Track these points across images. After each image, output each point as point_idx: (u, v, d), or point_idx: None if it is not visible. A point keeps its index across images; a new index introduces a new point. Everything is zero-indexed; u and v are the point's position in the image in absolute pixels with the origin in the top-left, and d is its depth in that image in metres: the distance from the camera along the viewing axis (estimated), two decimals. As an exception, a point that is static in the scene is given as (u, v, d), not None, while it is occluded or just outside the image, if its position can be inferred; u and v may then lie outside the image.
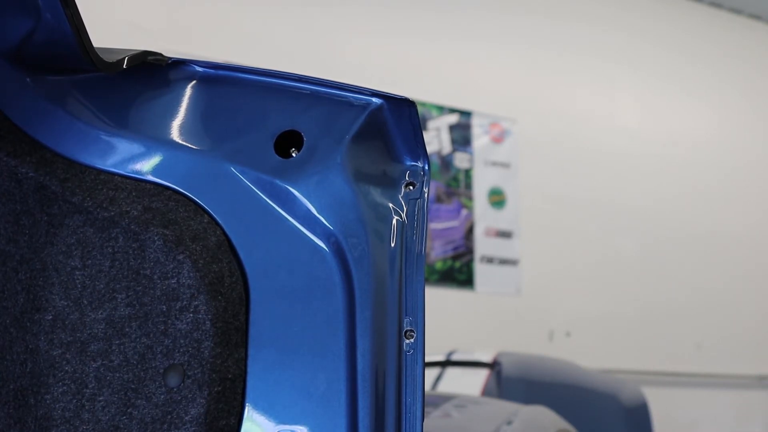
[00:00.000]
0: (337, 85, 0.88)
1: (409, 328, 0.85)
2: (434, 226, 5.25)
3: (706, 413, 5.95)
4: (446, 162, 5.48)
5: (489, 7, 5.83)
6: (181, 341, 0.82)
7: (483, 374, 3.72)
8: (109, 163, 0.87)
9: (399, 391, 0.83)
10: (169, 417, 0.82)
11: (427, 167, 0.90)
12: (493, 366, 3.73)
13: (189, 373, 0.82)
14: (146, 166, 0.87)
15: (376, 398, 0.83)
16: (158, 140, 0.88)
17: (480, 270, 5.38)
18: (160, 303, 0.83)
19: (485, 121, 5.70)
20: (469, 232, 5.40)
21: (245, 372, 0.84)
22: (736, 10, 6.98)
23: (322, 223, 0.85)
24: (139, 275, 0.84)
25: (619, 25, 6.37)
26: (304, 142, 0.87)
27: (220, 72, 0.90)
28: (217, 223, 0.86)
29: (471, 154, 5.60)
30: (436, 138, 5.48)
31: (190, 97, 0.89)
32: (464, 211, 5.42)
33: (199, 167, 0.87)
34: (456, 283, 5.30)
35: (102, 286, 0.85)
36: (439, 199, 5.33)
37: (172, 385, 0.82)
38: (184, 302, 0.83)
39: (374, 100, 0.87)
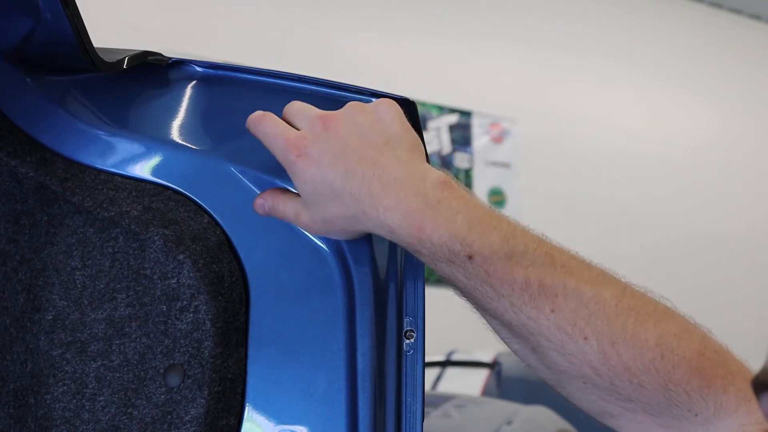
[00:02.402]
0: (337, 85, 0.88)
1: (409, 328, 0.85)
2: (434, 226, 5.25)
3: (706, 413, 5.94)
4: (446, 162, 5.49)
5: (489, 7, 5.83)
6: (181, 341, 0.82)
7: (483, 374, 3.72)
8: (109, 163, 0.87)
9: (399, 391, 0.83)
10: (169, 417, 0.82)
11: (427, 167, 0.90)
12: (493, 366, 3.73)
13: (189, 373, 0.82)
14: (146, 166, 0.87)
15: (376, 398, 0.83)
16: (158, 140, 0.88)
17: (480, 270, 5.37)
18: (160, 303, 0.83)
19: (485, 121, 5.70)
20: (469, 232, 5.40)
21: (245, 372, 0.84)
22: (736, 10, 6.98)
23: (322, 223, 0.85)
24: (139, 275, 0.84)
25: (619, 25, 6.37)
26: (304, 142, 0.87)
27: (220, 72, 0.90)
28: (217, 223, 0.86)
29: (471, 154, 5.60)
30: (436, 138, 5.48)
31: (190, 97, 0.89)
32: (464, 211, 5.42)
33: (199, 167, 0.87)
34: (456, 283, 5.29)
35: (102, 286, 0.85)
36: (439, 199, 5.34)
37: (172, 385, 0.82)
38: (184, 302, 0.83)
39: (374, 100, 0.87)
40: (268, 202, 0.83)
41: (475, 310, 0.81)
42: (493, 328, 0.80)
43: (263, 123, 0.82)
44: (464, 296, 0.79)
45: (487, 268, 0.75)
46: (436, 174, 0.78)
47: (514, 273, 0.75)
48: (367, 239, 0.85)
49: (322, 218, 0.80)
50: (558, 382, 0.78)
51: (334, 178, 0.77)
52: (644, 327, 0.74)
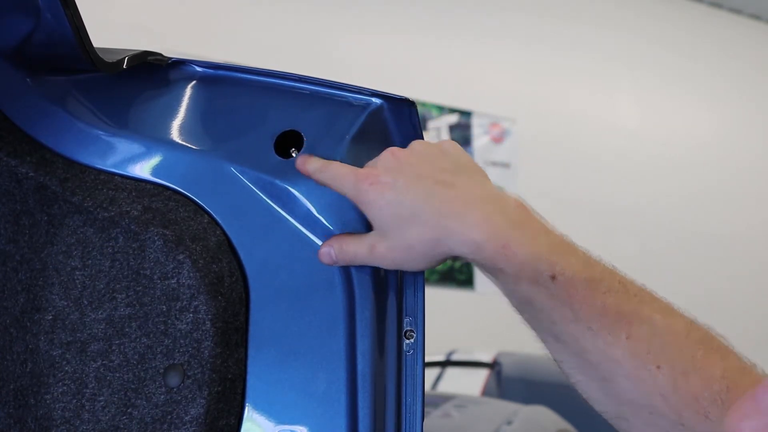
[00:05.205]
0: (337, 85, 0.88)
1: (409, 328, 0.85)
2: (434, 226, 5.24)
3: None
4: (446, 162, 5.48)
5: (490, 6, 5.83)
6: (181, 341, 0.82)
7: (483, 374, 3.72)
8: (109, 163, 0.87)
9: (399, 391, 0.84)
10: (169, 417, 0.82)
11: (427, 167, 0.90)
12: (493, 366, 3.73)
13: (189, 373, 0.82)
14: (146, 166, 0.87)
15: (376, 398, 0.83)
16: (158, 140, 0.88)
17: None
18: (160, 303, 0.83)
19: (485, 121, 5.70)
20: (469, 232, 5.40)
21: (245, 372, 0.84)
22: (736, 10, 6.98)
23: (322, 223, 0.85)
24: (139, 275, 0.84)
25: (619, 25, 6.37)
26: (304, 142, 0.87)
27: (220, 72, 0.90)
28: (217, 223, 0.86)
29: (471, 154, 5.60)
30: (436, 138, 5.48)
31: (190, 97, 0.89)
32: (464, 211, 5.42)
33: (199, 167, 0.87)
34: (456, 283, 5.30)
35: (102, 286, 0.85)
36: (439, 199, 5.33)
37: (172, 385, 0.82)
38: (184, 302, 0.83)
39: (374, 100, 0.87)
40: (334, 248, 0.83)
41: (541, 339, 0.81)
42: (558, 359, 0.81)
43: (329, 168, 0.83)
44: (538, 320, 0.80)
45: (569, 290, 0.76)
46: (513, 197, 0.80)
47: (593, 297, 0.76)
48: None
49: (402, 245, 0.79)
50: (620, 413, 0.79)
51: (414, 200, 0.78)
52: (712, 360, 0.75)
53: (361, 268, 0.84)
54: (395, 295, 0.85)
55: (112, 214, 0.85)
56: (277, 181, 0.86)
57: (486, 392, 3.59)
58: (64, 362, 0.84)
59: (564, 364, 0.81)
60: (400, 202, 0.78)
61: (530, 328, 0.81)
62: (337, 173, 0.82)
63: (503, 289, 0.80)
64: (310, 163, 0.84)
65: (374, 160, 0.83)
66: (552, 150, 5.90)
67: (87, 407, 0.83)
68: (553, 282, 0.76)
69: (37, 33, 0.82)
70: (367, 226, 0.85)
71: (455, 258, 0.81)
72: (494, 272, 0.78)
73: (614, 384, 0.77)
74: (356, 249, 0.81)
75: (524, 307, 0.79)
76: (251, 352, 0.84)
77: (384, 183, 0.79)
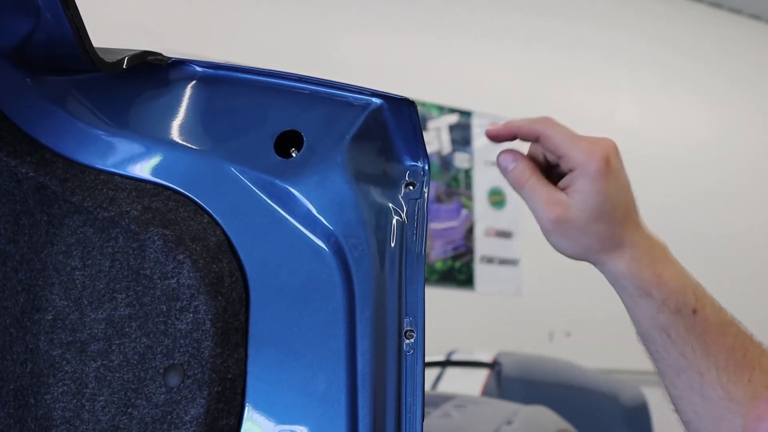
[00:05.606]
0: (337, 85, 0.88)
1: (409, 328, 0.85)
2: (434, 226, 5.25)
3: (706, 413, 5.92)
4: (446, 162, 5.48)
5: (489, 6, 5.83)
6: (181, 341, 0.82)
7: (483, 374, 3.72)
8: (109, 163, 0.87)
9: (399, 391, 0.83)
10: (169, 417, 0.82)
11: (427, 167, 0.90)
12: (493, 366, 3.72)
13: (189, 373, 0.82)
14: (146, 166, 0.87)
15: (376, 398, 0.83)
16: (158, 140, 0.88)
17: (480, 270, 5.38)
18: (160, 303, 0.83)
19: (485, 121, 5.69)
20: (469, 232, 5.40)
21: (245, 372, 0.84)
22: (736, 10, 6.98)
23: (322, 223, 0.85)
24: (139, 275, 0.84)
25: (618, 25, 6.37)
26: (304, 142, 0.87)
27: (220, 72, 0.90)
28: (217, 223, 0.86)
29: (471, 154, 5.60)
30: (436, 138, 5.48)
31: (190, 97, 0.89)
32: (464, 211, 5.42)
33: (199, 167, 0.87)
34: (456, 283, 5.30)
35: (102, 286, 0.85)
36: (439, 199, 5.33)
37: (172, 385, 0.82)
38: (184, 302, 0.83)
39: (374, 100, 0.87)
40: (519, 168, 0.87)
41: (661, 372, 0.87)
42: (675, 394, 0.86)
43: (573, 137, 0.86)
44: (667, 351, 0.85)
45: (705, 326, 0.84)
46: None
47: (724, 337, 0.84)
48: (367, 239, 0.85)
49: (582, 227, 0.85)
50: None
51: (622, 204, 0.85)
52: None
53: (360, 267, 0.84)
54: (395, 295, 0.85)
55: (112, 214, 0.85)
56: (277, 181, 0.86)
57: (486, 392, 3.58)
58: (64, 362, 0.84)
59: (680, 401, 0.86)
60: (614, 198, 0.84)
61: (651, 359, 0.87)
62: (574, 137, 0.86)
63: (641, 315, 0.85)
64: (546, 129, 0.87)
65: (595, 143, 0.85)
66: (552, 150, 5.88)
67: (87, 407, 0.83)
68: (693, 315, 0.83)
69: (37, 33, 0.82)
70: (369, 227, 0.85)
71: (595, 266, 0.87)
72: (640, 296, 0.84)
73: (727, 423, 0.83)
74: (540, 192, 0.85)
75: (657, 336, 0.85)
76: (251, 352, 0.84)
77: (616, 172, 0.85)
